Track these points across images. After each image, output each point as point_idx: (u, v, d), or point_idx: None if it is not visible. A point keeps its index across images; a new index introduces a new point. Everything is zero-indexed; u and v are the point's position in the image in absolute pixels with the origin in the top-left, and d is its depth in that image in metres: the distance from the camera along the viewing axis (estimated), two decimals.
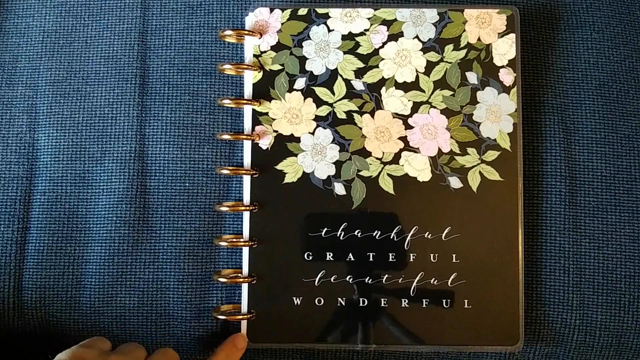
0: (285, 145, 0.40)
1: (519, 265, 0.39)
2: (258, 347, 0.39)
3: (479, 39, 0.40)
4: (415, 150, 0.40)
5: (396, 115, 0.40)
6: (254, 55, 0.40)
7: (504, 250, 0.39)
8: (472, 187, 0.39)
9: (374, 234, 0.39)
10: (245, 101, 0.40)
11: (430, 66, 0.40)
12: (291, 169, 0.39)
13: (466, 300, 0.39)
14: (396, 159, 0.40)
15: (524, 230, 0.39)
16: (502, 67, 0.40)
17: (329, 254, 0.39)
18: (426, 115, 0.40)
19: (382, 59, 0.40)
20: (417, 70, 0.40)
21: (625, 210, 0.41)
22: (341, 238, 0.39)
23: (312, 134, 0.40)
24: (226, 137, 0.40)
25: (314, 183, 0.39)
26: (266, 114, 0.40)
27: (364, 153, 0.40)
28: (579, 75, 0.42)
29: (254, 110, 0.40)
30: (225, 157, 0.41)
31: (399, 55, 0.40)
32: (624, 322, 0.40)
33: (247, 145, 0.40)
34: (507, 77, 0.40)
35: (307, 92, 0.40)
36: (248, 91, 0.40)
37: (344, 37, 0.40)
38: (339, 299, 0.39)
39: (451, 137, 0.40)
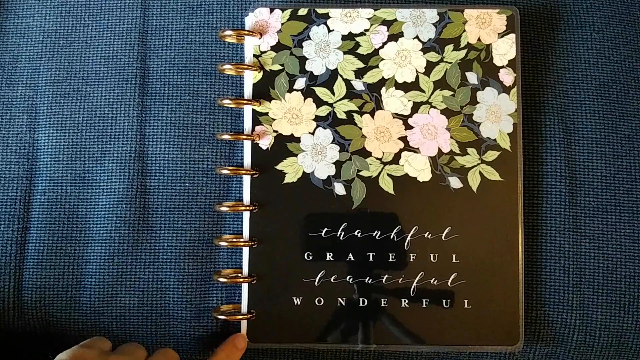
0: (285, 145, 0.40)
1: (519, 265, 0.39)
2: (258, 347, 0.39)
3: (479, 39, 0.40)
4: (415, 151, 0.40)
5: (396, 116, 0.40)
6: (254, 56, 0.40)
7: (504, 250, 0.39)
8: (472, 187, 0.39)
9: (374, 234, 0.39)
10: (245, 101, 0.40)
11: (430, 66, 0.40)
12: (291, 169, 0.40)
13: (466, 300, 0.39)
14: (396, 159, 0.40)
15: (524, 230, 0.39)
16: (502, 67, 0.40)
17: (329, 254, 0.39)
18: (426, 116, 0.40)
19: (382, 59, 0.40)
20: (417, 71, 0.40)
21: (625, 210, 0.41)
22: (341, 238, 0.39)
23: (312, 134, 0.40)
24: (226, 137, 0.40)
25: (314, 183, 0.39)
26: (266, 114, 0.40)
27: (364, 153, 0.40)
28: (579, 75, 0.42)
29: (254, 110, 0.40)
30: (225, 157, 0.41)
31: (399, 55, 0.40)
32: (624, 322, 0.40)
33: (247, 145, 0.40)
34: (507, 77, 0.40)
35: (307, 92, 0.40)
36: (248, 91, 0.40)
37: (344, 37, 0.40)
38: (339, 299, 0.39)
39: (451, 137, 0.40)
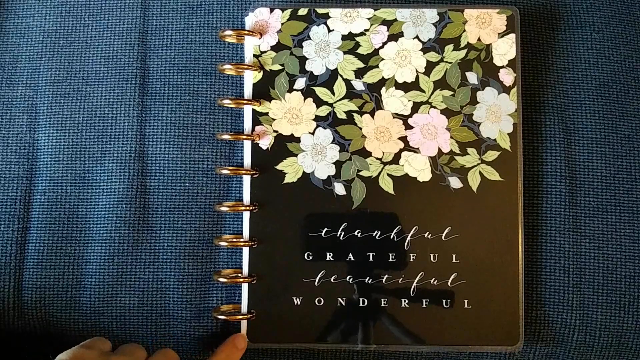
0: (285, 145, 0.40)
1: (519, 265, 0.39)
2: (258, 347, 0.39)
3: (479, 39, 0.40)
4: (415, 151, 0.40)
5: (396, 116, 0.40)
6: (254, 56, 0.40)
7: (504, 250, 0.39)
8: (472, 187, 0.39)
9: (374, 234, 0.39)
10: (245, 101, 0.40)
11: (430, 66, 0.40)
12: (291, 169, 0.40)
13: (466, 300, 0.39)
14: (396, 159, 0.40)
15: (524, 230, 0.39)
16: (502, 67, 0.40)
17: (329, 254, 0.39)
18: (426, 116, 0.40)
19: (382, 59, 0.40)
20: (417, 71, 0.40)
21: (625, 210, 0.41)
22: (341, 238, 0.39)
23: (312, 134, 0.40)
24: (226, 137, 0.40)
25: (314, 183, 0.39)
26: (266, 114, 0.40)
27: (364, 153, 0.40)
28: (579, 75, 0.42)
29: (254, 110, 0.40)
30: (225, 157, 0.41)
31: (399, 55, 0.40)
32: (624, 322, 0.40)
33: (247, 145, 0.40)
34: (507, 77, 0.40)
35: (307, 92, 0.40)
36: (248, 91, 0.40)
37: (344, 37, 0.40)
38: (339, 299, 0.39)
39: (451, 137, 0.40)
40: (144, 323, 0.40)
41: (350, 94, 0.40)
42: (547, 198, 0.41)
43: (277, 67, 0.40)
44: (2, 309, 0.40)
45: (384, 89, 0.40)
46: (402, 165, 0.39)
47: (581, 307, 0.40)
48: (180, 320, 0.40)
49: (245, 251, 0.39)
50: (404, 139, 0.40)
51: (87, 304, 0.40)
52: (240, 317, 0.39)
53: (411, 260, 0.39)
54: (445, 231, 0.39)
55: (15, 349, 0.40)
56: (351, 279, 0.39)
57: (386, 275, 0.39)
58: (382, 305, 0.39)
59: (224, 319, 0.39)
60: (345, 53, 0.40)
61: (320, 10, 0.41)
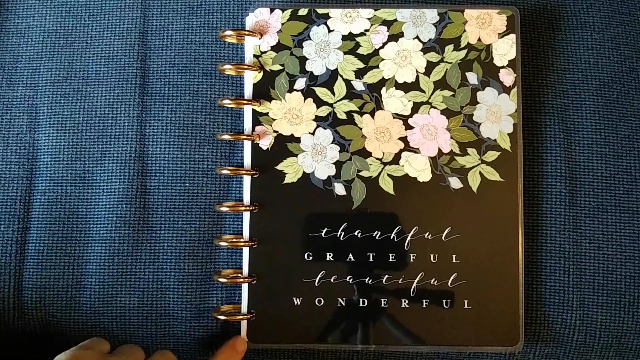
0: (285, 145, 0.40)
1: (519, 265, 0.39)
2: (258, 347, 0.39)
3: (479, 40, 0.40)
4: (416, 151, 0.40)
5: (396, 116, 0.40)
6: (254, 56, 0.40)
7: (504, 250, 0.39)
8: (472, 187, 0.39)
9: (374, 234, 0.39)
10: (245, 101, 0.40)
11: (430, 66, 0.40)
12: (291, 169, 0.40)
13: (466, 301, 0.39)
14: (396, 159, 0.40)
15: (524, 230, 0.39)
16: (502, 67, 0.40)
17: (329, 254, 0.39)
18: (426, 116, 0.40)
19: (382, 60, 0.40)
20: (417, 71, 0.40)
21: (625, 210, 0.41)
22: (341, 238, 0.39)
23: (312, 134, 0.40)
24: (226, 137, 0.40)
25: (314, 183, 0.39)
26: (266, 114, 0.40)
27: (364, 153, 0.40)
28: (579, 75, 0.42)
29: (254, 110, 0.40)
30: (225, 157, 0.41)
31: (399, 55, 0.40)
32: (624, 322, 0.40)
33: (247, 146, 0.40)
34: (507, 77, 0.40)
35: (307, 93, 0.40)
36: (248, 91, 0.40)
37: (344, 38, 0.40)
38: (339, 299, 0.39)
39: (451, 138, 0.40)
40: (144, 323, 0.40)
41: (351, 94, 0.40)
42: (547, 198, 0.41)
43: (277, 67, 0.40)
44: (2, 309, 0.40)
45: (384, 89, 0.40)
46: (402, 166, 0.39)
47: (581, 307, 0.40)
48: (180, 320, 0.40)
49: (245, 251, 0.39)
50: (404, 139, 0.40)
51: (87, 304, 0.40)
52: (240, 317, 0.39)
53: (411, 260, 0.39)
54: (446, 231, 0.39)
55: (15, 349, 0.40)
56: (351, 279, 0.39)
57: (386, 276, 0.39)
58: (382, 305, 0.39)
59: (224, 319, 0.39)
60: (345, 53, 0.40)
61: (321, 11, 0.40)
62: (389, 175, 0.39)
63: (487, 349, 0.39)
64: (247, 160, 0.40)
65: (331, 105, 0.40)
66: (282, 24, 0.40)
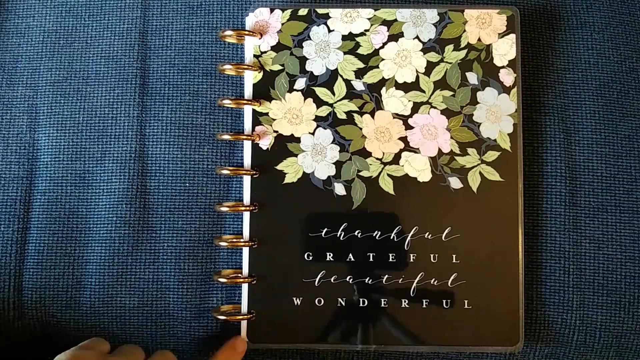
0: (285, 145, 0.40)
1: (519, 265, 0.39)
2: (258, 347, 0.39)
3: (479, 40, 0.40)
4: (416, 151, 0.40)
5: (396, 116, 0.40)
6: (254, 56, 0.40)
7: (504, 250, 0.39)
8: (472, 187, 0.39)
9: (374, 234, 0.39)
10: (245, 101, 0.40)
11: (430, 66, 0.40)
12: (291, 169, 0.40)
13: (466, 301, 0.39)
14: (396, 159, 0.40)
15: (524, 230, 0.39)
16: (502, 67, 0.40)
17: (329, 254, 0.39)
18: (426, 116, 0.40)
19: (382, 60, 0.40)
20: (417, 71, 0.40)
21: (625, 210, 0.41)
22: (341, 238, 0.39)
23: (312, 134, 0.40)
24: (226, 137, 0.40)
25: (314, 183, 0.39)
26: (266, 114, 0.40)
27: (364, 153, 0.40)
28: (579, 75, 0.42)
29: (254, 110, 0.40)
30: (225, 157, 0.41)
31: (399, 55, 0.40)
32: (624, 322, 0.40)
33: (247, 146, 0.40)
34: (507, 77, 0.40)
35: (308, 93, 0.40)
36: (248, 91, 0.40)
37: (344, 38, 0.40)
38: (339, 300, 0.39)
39: (451, 138, 0.40)
40: (144, 323, 0.40)
41: (351, 94, 0.40)
42: (547, 198, 0.41)
43: (277, 67, 0.40)
44: (2, 309, 0.40)
45: (384, 89, 0.40)
46: (402, 166, 0.39)
47: (581, 307, 0.40)
48: (180, 321, 0.40)
49: (245, 251, 0.39)
50: (404, 139, 0.40)
51: (87, 304, 0.40)
52: (240, 317, 0.39)
53: (411, 260, 0.39)
54: (446, 231, 0.39)
55: (15, 349, 0.40)
56: (351, 280, 0.39)
57: (386, 276, 0.39)
58: (382, 305, 0.39)
59: (224, 319, 0.39)
60: (345, 53, 0.40)
61: (321, 11, 0.40)
62: (389, 175, 0.39)
63: (487, 349, 0.39)
64: (247, 160, 0.40)
65: (331, 105, 0.40)
66: (282, 24, 0.40)
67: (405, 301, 0.39)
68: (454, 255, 0.39)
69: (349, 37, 0.40)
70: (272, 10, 0.40)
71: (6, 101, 0.42)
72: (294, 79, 0.40)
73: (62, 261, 0.40)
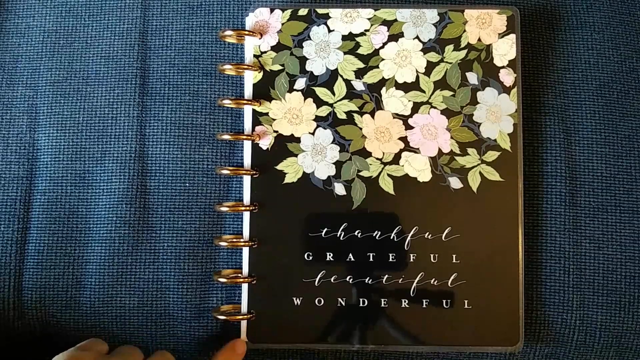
0: (285, 145, 0.40)
1: (519, 265, 0.39)
2: (258, 347, 0.39)
3: (479, 40, 0.40)
4: (416, 151, 0.40)
5: (396, 116, 0.40)
6: (254, 56, 0.40)
7: (504, 250, 0.39)
8: (472, 187, 0.39)
9: (374, 234, 0.39)
10: (245, 101, 0.40)
11: (430, 66, 0.40)
12: (291, 169, 0.40)
13: (466, 301, 0.39)
14: (396, 159, 0.40)
15: (524, 230, 0.39)
16: (503, 67, 0.40)
17: (329, 254, 0.39)
18: (426, 116, 0.40)
19: (383, 60, 0.40)
20: (417, 71, 0.40)
21: (625, 210, 0.41)
22: (341, 238, 0.39)
23: (312, 134, 0.40)
24: (226, 137, 0.40)
25: (314, 183, 0.39)
26: (266, 114, 0.40)
27: (364, 153, 0.40)
28: (579, 75, 0.42)
29: (254, 110, 0.40)
30: (225, 157, 0.41)
31: (399, 55, 0.40)
32: (624, 322, 0.40)
33: (247, 146, 0.40)
34: (507, 77, 0.40)
35: (308, 93, 0.40)
36: (248, 91, 0.40)
37: (344, 38, 0.40)
38: (339, 300, 0.39)
39: (451, 138, 0.40)
40: (144, 323, 0.40)
41: (351, 94, 0.40)
42: (547, 198, 0.41)
43: (277, 67, 0.40)
44: (2, 309, 0.40)
45: (384, 89, 0.40)
46: (402, 166, 0.39)
47: (581, 307, 0.40)
48: (180, 320, 0.40)
49: (245, 251, 0.39)
50: (404, 139, 0.40)
51: (87, 304, 0.40)
52: (240, 317, 0.39)
53: (411, 260, 0.39)
54: (446, 231, 0.39)
55: (15, 349, 0.40)
56: (351, 280, 0.39)
57: (386, 276, 0.39)
58: (382, 305, 0.39)
59: (224, 319, 0.39)
60: (345, 53, 0.40)
61: (321, 11, 0.40)
62: (389, 175, 0.39)
63: (487, 349, 0.39)
64: (247, 160, 0.40)
65: (331, 105, 0.40)
66: (282, 24, 0.40)
67: (405, 301, 0.39)
68: (454, 255, 0.39)
69: (349, 37, 0.40)
70: (272, 10, 0.40)
71: (6, 101, 0.42)
72: (294, 79, 0.40)
73: (62, 261, 0.40)
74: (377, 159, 0.40)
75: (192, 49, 0.42)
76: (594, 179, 0.41)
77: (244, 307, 0.39)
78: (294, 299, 0.39)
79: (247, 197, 0.40)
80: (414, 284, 0.39)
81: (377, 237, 0.39)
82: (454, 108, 0.40)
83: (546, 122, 0.41)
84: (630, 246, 0.40)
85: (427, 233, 0.39)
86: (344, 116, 0.40)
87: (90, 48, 0.42)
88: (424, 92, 0.40)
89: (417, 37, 0.40)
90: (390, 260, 0.39)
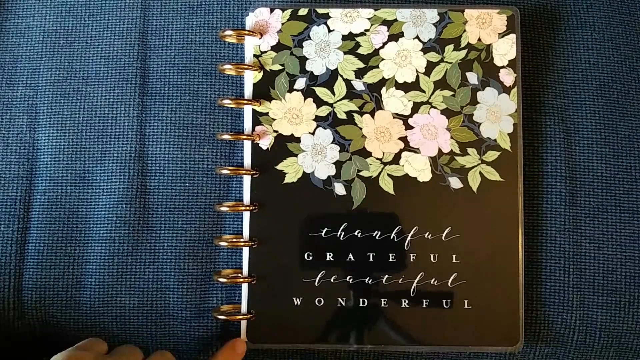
0: (285, 145, 0.40)
1: (519, 265, 0.39)
2: (258, 347, 0.39)
3: (479, 39, 0.40)
4: (416, 151, 0.40)
5: (396, 116, 0.40)
6: (254, 56, 0.40)
7: (504, 250, 0.39)
8: (472, 187, 0.39)
9: (374, 234, 0.39)
10: (245, 101, 0.40)
11: (430, 66, 0.40)
12: (291, 169, 0.39)
13: (466, 301, 0.39)
14: (396, 159, 0.40)
15: (524, 230, 0.39)
16: (503, 67, 0.40)
17: (329, 254, 0.39)
18: (426, 116, 0.40)
19: (383, 59, 0.40)
20: (417, 71, 0.40)
21: (625, 210, 0.41)
22: (341, 238, 0.39)
23: (312, 134, 0.40)
24: (226, 137, 0.40)
25: (314, 183, 0.39)
26: (266, 114, 0.40)
27: (364, 153, 0.40)
28: (579, 75, 0.42)
29: (254, 110, 0.40)
30: (225, 157, 0.41)
31: (399, 55, 0.40)
32: (624, 322, 0.40)
33: (247, 146, 0.40)
34: (507, 77, 0.40)
35: (308, 92, 0.40)
36: (248, 91, 0.40)
37: (344, 37, 0.40)
38: (339, 300, 0.39)
39: (451, 138, 0.40)
40: (144, 323, 0.40)
41: (351, 94, 0.40)
42: (547, 198, 0.41)
43: (277, 67, 0.40)
44: (2, 309, 0.40)
45: (384, 89, 0.40)
46: (402, 166, 0.39)
47: (581, 307, 0.40)
48: (180, 320, 0.40)
49: (245, 251, 0.39)
50: (404, 139, 0.40)
51: (87, 304, 0.40)
52: (240, 317, 0.39)
53: (411, 260, 0.39)
54: (446, 231, 0.39)
55: (15, 349, 0.40)
56: (351, 280, 0.39)
57: (386, 276, 0.39)
58: (382, 305, 0.39)
59: (224, 319, 0.39)
60: (345, 53, 0.40)
61: (321, 11, 0.40)
62: (389, 175, 0.39)
63: (487, 349, 0.39)
64: (247, 160, 0.40)
65: (331, 105, 0.40)
66: (282, 24, 0.40)
67: (405, 301, 0.39)
68: (454, 255, 0.39)
69: (349, 37, 0.40)
70: (272, 10, 0.40)
71: (6, 101, 0.42)
72: (294, 79, 0.40)
73: (62, 261, 0.40)
74: (377, 159, 0.40)
75: (192, 49, 0.42)
76: (594, 179, 0.41)
77: (244, 307, 0.39)
78: (294, 299, 0.39)
79: (247, 197, 0.39)
80: (414, 284, 0.39)
81: (377, 237, 0.39)
82: (454, 108, 0.40)
83: (546, 122, 0.41)
84: (630, 246, 0.40)
85: (427, 233, 0.39)
86: (344, 116, 0.40)
87: (90, 48, 0.42)
88: (424, 92, 0.40)
89: (417, 37, 0.40)
90: (390, 260, 0.39)
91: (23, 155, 0.41)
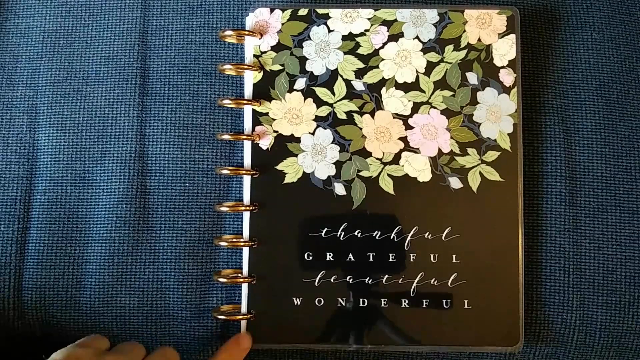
0: (285, 145, 0.40)
1: (519, 265, 0.39)
2: (258, 347, 0.39)
3: (479, 40, 0.40)
4: (416, 151, 0.40)
5: (396, 116, 0.40)
6: (254, 56, 0.40)
7: (504, 250, 0.39)
8: (472, 187, 0.39)
9: (374, 235, 0.39)
10: (245, 101, 0.40)
11: (430, 66, 0.40)
12: (291, 169, 0.40)
13: (466, 301, 0.39)
14: (396, 159, 0.40)
15: (524, 230, 0.39)
16: (502, 67, 0.40)
17: (329, 255, 0.39)
18: (426, 116, 0.40)
19: (382, 60, 0.40)
20: (417, 71, 0.40)
21: (625, 210, 0.41)
22: (341, 238, 0.39)
23: (312, 134, 0.40)
24: (226, 137, 0.40)
25: (314, 183, 0.39)
26: (266, 114, 0.40)
27: (364, 153, 0.40)
28: (579, 75, 0.42)
29: (254, 110, 0.40)
30: (225, 157, 0.41)
31: (399, 55, 0.40)
32: (624, 322, 0.40)
33: (247, 146, 0.40)
34: (507, 77, 0.40)
35: (308, 93, 0.40)
36: (248, 91, 0.40)
37: (344, 38, 0.40)
38: (339, 300, 0.39)
39: (451, 138, 0.40)
40: (144, 323, 0.40)
41: (351, 94, 0.40)
42: (547, 198, 0.41)
43: (277, 67, 0.40)
44: (2, 309, 0.40)
45: (384, 89, 0.40)
46: (402, 166, 0.39)
47: (581, 307, 0.40)
48: (180, 320, 0.40)
49: (245, 251, 0.39)
50: (404, 139, 0.40)
51: (87, 304, 0.40)
52: (240, 317, 0.39)
53: (411, 260, 0.39)
54: (446, 231, 0.39)
55: (15, 349, 0.40)
56: (351, 280, 0.39)
57: (386, 276, 0.39)
58: (382, 305, 0.39)
59: (224, 319, 0.39)
60: (345, 53, 0.40)
61: (321, 11, 0.40)
62: (389, 175, 0.39)
63: (487, 349, 0.39)
64: (247, 160, 0.40)
65: (331, 105, 0.40)
66: (282, 24, 0.40)
67: (405, 301, 0.39)
68: (454, 255, 0.39)
69: (349, 37, 0.40)
70: (272, 10, 0.40)
71: (6, 101, 0.42)
72: (294, 79, 0.40)
73: (62, 261, 0.40)
74: (377, 159, 0.40)
75: (192, 49, 0.42)
76: (594, 179, 0.41)
77: (244, 307, 0.39)
78: (294, 299, 0.39)
79: (247, 197, 0.40)
80: (414, 284, 0.39)
81: (377, 237, 0.39)
82: (454, 108, 0.40)
83: (546, 122, 0.41)
84: (630, 246, 0.40)
85: (427, 233, 0.39)
86: (344, 116, 0.40)
87: (90, 48, 0.42)
88: (424, 92, 0.40)
89: (417, 37, 0.40)
90: (390, 260, 0.39)
91: (23, 155, 0.41)
